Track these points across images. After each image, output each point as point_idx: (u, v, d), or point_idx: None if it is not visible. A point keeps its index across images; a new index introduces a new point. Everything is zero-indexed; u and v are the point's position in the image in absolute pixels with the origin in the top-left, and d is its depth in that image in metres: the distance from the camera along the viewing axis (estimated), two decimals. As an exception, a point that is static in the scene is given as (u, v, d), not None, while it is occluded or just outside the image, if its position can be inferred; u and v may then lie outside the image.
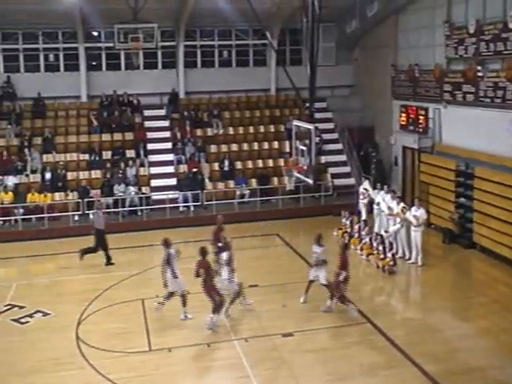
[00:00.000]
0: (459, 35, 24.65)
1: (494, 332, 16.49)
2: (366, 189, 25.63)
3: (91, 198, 27.58)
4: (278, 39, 33.95)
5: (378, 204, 23.82)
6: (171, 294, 17.80)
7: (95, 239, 22.66)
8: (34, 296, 19.62)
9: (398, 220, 22.27)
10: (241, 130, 32.97)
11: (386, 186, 24.54)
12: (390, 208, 22.91)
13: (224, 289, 17.45)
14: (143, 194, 28.67)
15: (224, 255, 17.95)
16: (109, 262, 22.65)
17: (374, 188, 25.21)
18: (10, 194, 27.51)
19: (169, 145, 31.66)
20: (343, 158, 32.54)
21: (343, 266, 17.44)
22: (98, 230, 22.71)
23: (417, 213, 21.91)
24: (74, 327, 17.13)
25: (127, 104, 32.85)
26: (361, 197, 25.91)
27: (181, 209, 28.65)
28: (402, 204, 22.69)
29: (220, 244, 19.34)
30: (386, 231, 22.66)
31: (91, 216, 23.76)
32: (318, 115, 28.83)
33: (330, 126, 33.66)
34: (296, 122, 26.22)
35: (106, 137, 31.46)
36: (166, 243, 17.84)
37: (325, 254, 18.28)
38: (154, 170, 30.39)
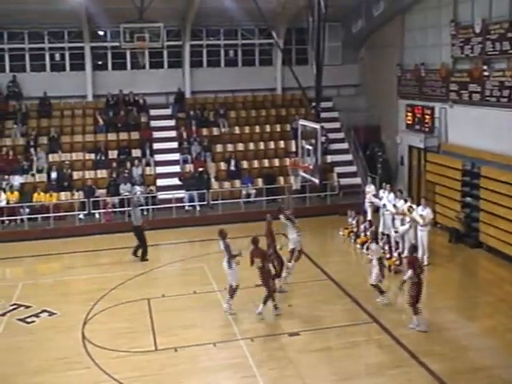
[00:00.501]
0: (465, 34, 24.60)
1: (500, 331, 16.46)
2: (374, 194, 25.46)
3: (97, 197, 27.65)
4: (284, 39, 33.93)
5: (384, 205, 23.72)
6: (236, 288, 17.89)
7: (135, 236, 23.03)
8: (39, 296, 19.64)
9: (408, 219, 22.15)
10: (247, 129, 32.97)
11: (387, 185, 24.47)
12: (395, 207, 22.85)
13: (294, 243, 19.22)
14: (151, 191, 28.67)
15: (282, 218, 19.34)
16: (143, 257, 22.96)
17: (380, 187, 25.17)
18: (16, 193, 27.54)
19: (175, 144, 31.68)
20: (349, 157, 32.52)
21: (413, 268, 16.45)
22: (136, 226, 23.00)
23: (423, 212, 21.86)
24: (79, 327, 17.15)
25: (133, 103, 32.88)
26: (367, 196, 25.87)
27: (186, 208, 28.65)
28: (408, 203, 22.62)
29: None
30: (395, 231, 22.60)
31: (131, 214, 23.81)
32: (323, 115, 28.79)
33: (336, 125, 33.64)
34: (302, 122, 26.18)
35: (111, 136, 31.49)
36: (222, 234, 17.82)
37: (379, 252, 18.27)
38: (160, 170, 30.40)
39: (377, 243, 18.62)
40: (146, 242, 22.99)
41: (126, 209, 27.30)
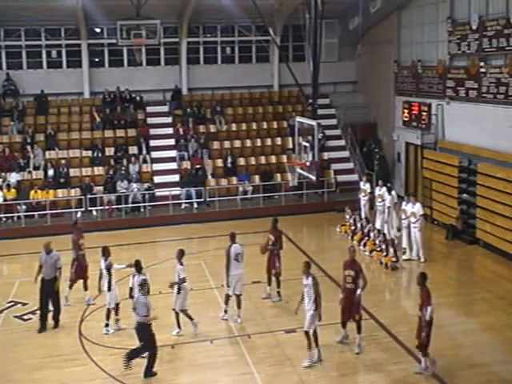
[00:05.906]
0: (462, 31, 24.65)
1: (498, 328, 16.49)
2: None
3: (94, 194, 27.64)
4: (281, 35, 33.91)
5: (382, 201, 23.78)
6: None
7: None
8: (36, 293, 19.51)
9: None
10: (244, 126, 32.95)
11: (380, 181, 24.64)
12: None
13: None
14: (150, 187, 28.64)
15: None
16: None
17: (377, 184, 25.20)
18: (13, 190, 27.48)
19: (172, 141, 31.65)
20: (346, 154, 32.50)
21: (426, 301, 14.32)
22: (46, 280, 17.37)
23: (413, 209, 21.92)
24: (77, 324, 17.17)
25: (130, 100, 32.84)
26: (362, 194, 25.88)
27: (183, 206, 28.60)
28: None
29: None
30: (398, 229, 22.78)
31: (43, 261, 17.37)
32: (320, 111, 28.81)
33: (333, 122, 33.61)
34: (299, 119, 26.20)
35: (108, 133, 31.45)
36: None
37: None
38: (157, 167, 30.37)
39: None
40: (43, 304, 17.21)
41: (123, 206, 27.37)
